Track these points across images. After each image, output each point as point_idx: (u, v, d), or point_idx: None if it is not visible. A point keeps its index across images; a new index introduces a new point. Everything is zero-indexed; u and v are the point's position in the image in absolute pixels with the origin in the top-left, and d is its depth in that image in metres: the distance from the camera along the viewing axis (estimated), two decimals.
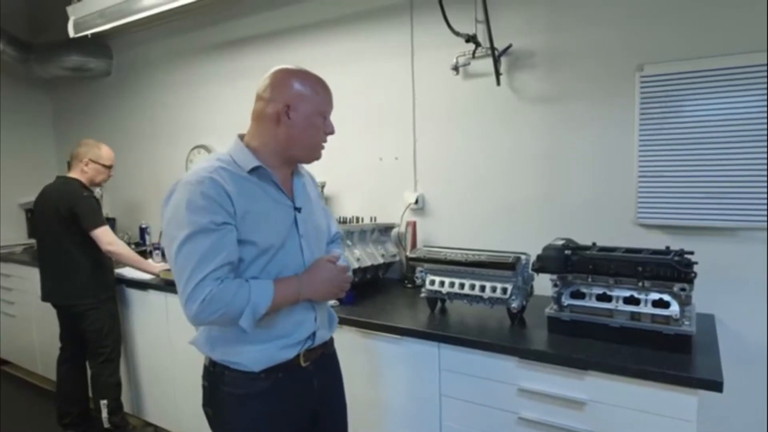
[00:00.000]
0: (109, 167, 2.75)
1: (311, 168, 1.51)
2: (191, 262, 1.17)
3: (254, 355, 1.28)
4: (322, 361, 1.44)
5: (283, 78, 1.31)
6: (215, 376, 1.32)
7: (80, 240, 2.57)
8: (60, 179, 2.70)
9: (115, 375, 2.69)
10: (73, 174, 2.66)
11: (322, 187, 2.66)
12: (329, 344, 1.50)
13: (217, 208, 1.20)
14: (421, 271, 1.99)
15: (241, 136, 1.37)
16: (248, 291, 1.21)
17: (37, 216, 2.73)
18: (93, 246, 2.57)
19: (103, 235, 2.56)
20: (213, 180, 1.21)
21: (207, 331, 1.32)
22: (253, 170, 1.29)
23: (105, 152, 2.72)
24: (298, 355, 1.35)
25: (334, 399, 1.52)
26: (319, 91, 1.33)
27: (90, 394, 2.78)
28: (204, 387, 1.37)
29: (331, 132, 1.38)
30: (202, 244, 1.17)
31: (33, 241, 4.09)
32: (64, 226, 2.56)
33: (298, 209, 1.37)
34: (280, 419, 1.34)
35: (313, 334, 1.38)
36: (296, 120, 1.30)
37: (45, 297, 2.71)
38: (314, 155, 1.39)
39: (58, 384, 2.80)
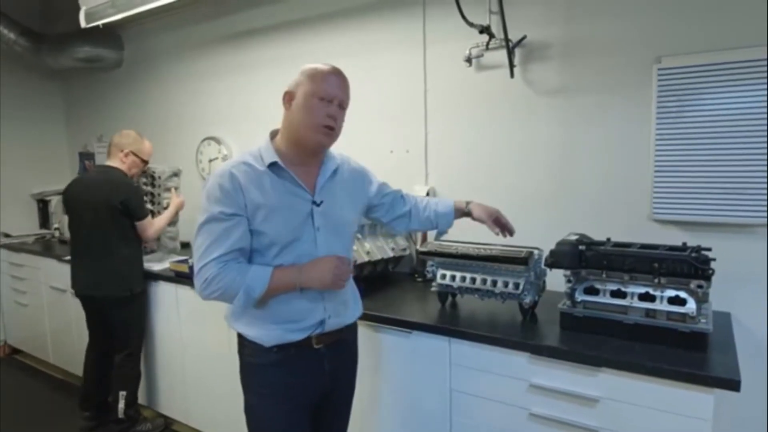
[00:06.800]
0: (146, 162, 2.76)
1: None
2: (203, 245, 1.35)
3: (266, 333, 1.41)
4: (338, 347, 1.51)
5: (298, 73, 1.42)
6: (240, 344, 1.49)
7: (123, 232, 2.57)
8: (100, 168, 2.68)
9: (136, 368, 2.71)
10: (113, 162, 2.63)
11: None
12: (347, 332, 1.55)
13: (229, 201, 1.34)
14: (432, 265, 1.98)
15: (275, 132, 1.47)
16: (245, 275, 1.33)
17: (76, 206, 2.59)
18: (133, 238, 2.60)
19: (149, 225, 2.62)
20: (231, 174, 1.35)
21: (231, 306, 1.43)
22: (271, 165, 1.38)
23: (147, 147, 2.73)
24: (309, 337, 1.43)
25: (343, 385, 1.59)
26: (318, 76, 1.38)
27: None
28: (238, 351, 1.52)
29: (333, 114, 1.39)
30: (213, 230, 1.34)
31: (45, 231, 4.13)
32: (111, 217, 2.51)
33: (316, 203, 1.42)
34: (291, 390, 1.44)
35: (323, 321, 1.44)
36: (295, 105, 1.39)
37: (81, 289, 2.62)
38: (315, 137, 1.39)
39: (84, 370, 2.81)
